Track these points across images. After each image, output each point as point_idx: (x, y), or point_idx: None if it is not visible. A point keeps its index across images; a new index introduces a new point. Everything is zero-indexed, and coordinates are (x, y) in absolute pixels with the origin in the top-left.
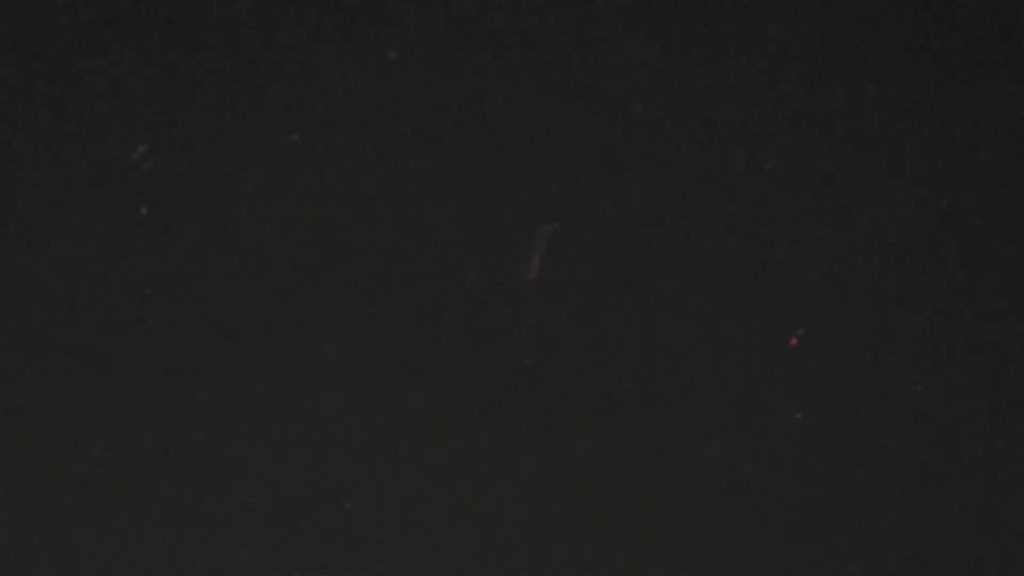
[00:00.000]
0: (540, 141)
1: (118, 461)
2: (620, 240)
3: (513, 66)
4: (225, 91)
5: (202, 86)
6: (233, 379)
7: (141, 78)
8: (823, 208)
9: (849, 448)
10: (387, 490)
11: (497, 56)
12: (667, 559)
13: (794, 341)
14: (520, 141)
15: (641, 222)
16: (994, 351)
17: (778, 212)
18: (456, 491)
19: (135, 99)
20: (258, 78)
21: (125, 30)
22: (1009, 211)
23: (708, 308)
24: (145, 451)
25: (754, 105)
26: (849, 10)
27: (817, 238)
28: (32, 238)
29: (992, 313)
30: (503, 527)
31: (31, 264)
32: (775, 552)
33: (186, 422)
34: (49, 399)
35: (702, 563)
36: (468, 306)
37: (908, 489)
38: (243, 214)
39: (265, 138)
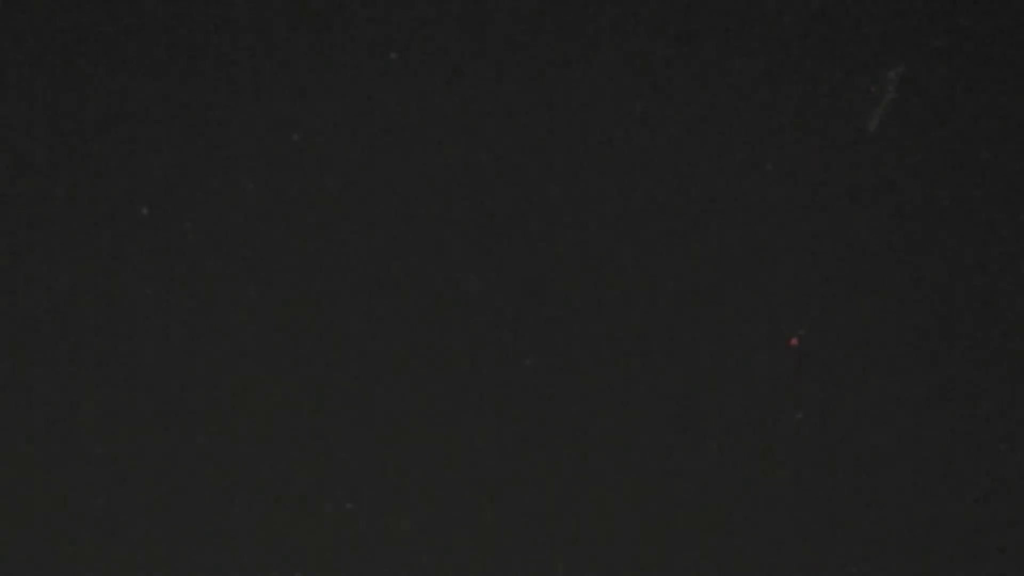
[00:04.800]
0: (540, 141)
1: (118, 461)
2: (620, 240)
3: (513, 66)
4: (225, 91)
5: (202, 86)
6: (233, 379)
7: (142, 78)
8: (823, 208)
9: (849, 448)
10: (387, 490)
11: (497, 56)
12: (667, 559)
13: (794, 341)
14: (520, 141)
15: (641, 222)
16: (994, 351)
17: (778, 212)
18: (456, 491)
19: (136, 99)
20: (258, 78)
21: (126, 30)
22: (1009, 211)
23: (708, 308)
24: (145, 451)
25: (754, 105)
26: (850, 10)
27: (817, 238)
28: (32, 238)
29: (992, 313)
30: (503, 527)
31: (31, 264)
32: (775, 552)
33: (186, 422)
34: (49, 399)
35: (702, 563)
36: (468, 306)
37: (908, 489)
38: (243, 214)
39: (265, 138)
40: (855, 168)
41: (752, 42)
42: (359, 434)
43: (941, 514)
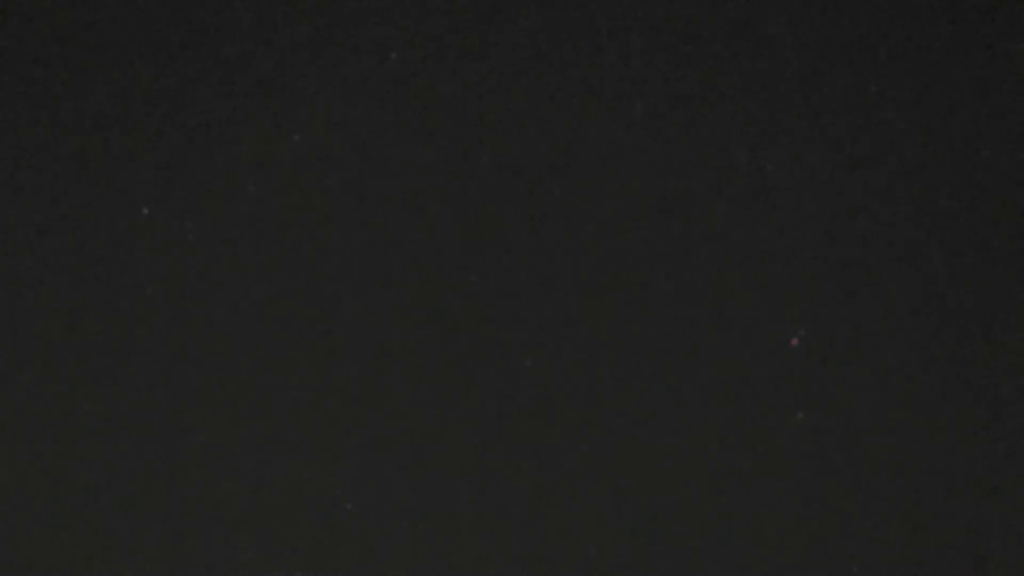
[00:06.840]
0: (540, 141)
1: (117, 461)
2: (620, 240)
3: (513, 66)
4: (225, 91)
5: (202, 86)
6: (234, 379)
7: (141, 77)
8: (823, 208)
9: (849, 448)
10: (387, 490)
11: (497, 56)
12: (667, 559)
13: (794, 341)
14: (520, 141)
15: (641, 222)
16: (995, 351)
17: (778, 212)
18: (456, 491)
19: (135, 99)
20: (258, 78)
21: (126, 29)
22: (1009, 211)
23: (708, 308)
24: (145, 451)
25: (754, 105)
26: (849, 10)
27: (817, 238)
28: (32, 238)
29: (992, 313)
30: (503, 527)
31: (31, 264)
32: (776, 552)
33: (186, 422)
34: (49, 399)
35: (702, 563)
36: (468, 306)
37: (908, 489)
38: (243, 214)
39: (265, 138)
40: (855, 166)
41: (754, 44)
42: (359, 434)
43: (941, 514)
